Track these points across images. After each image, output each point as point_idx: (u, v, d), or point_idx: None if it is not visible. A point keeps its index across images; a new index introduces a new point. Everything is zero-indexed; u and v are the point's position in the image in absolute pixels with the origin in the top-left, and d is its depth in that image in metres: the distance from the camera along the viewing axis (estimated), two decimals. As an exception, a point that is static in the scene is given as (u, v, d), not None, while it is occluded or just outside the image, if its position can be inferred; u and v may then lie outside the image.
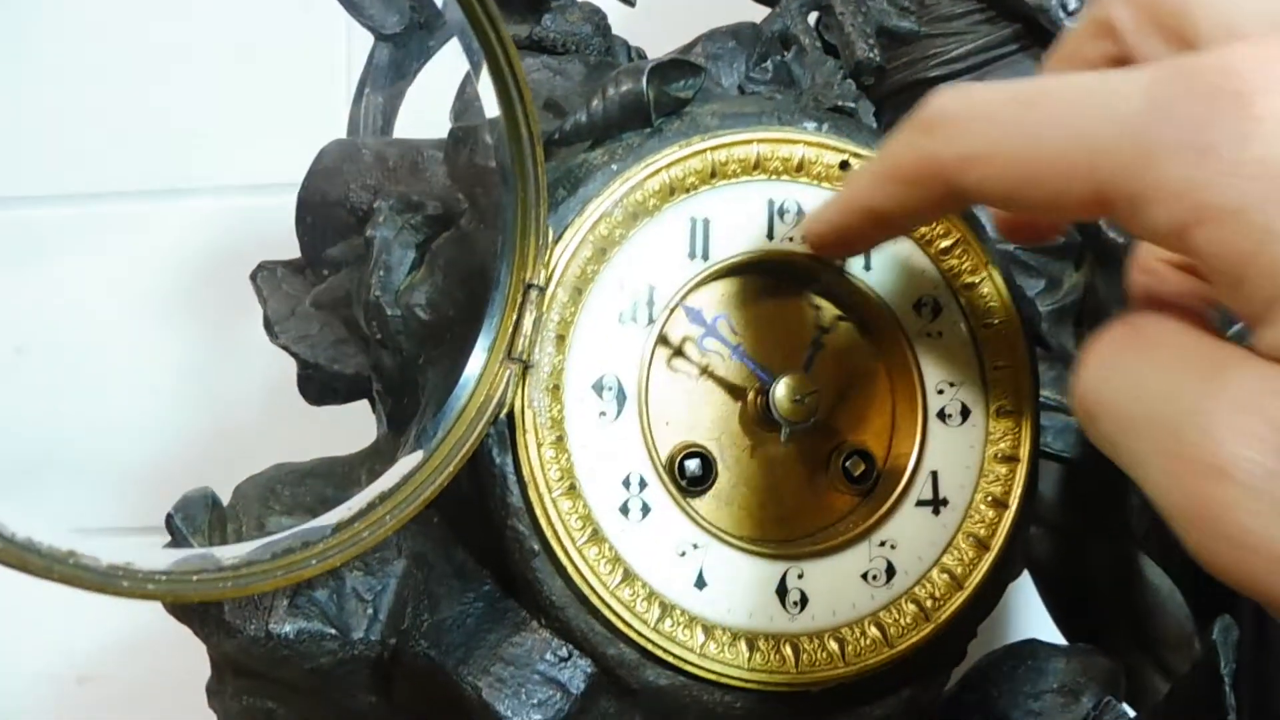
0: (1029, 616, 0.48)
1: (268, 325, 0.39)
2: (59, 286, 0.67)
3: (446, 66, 0.43)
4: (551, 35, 0.37)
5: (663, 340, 0.32)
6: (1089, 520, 0.44)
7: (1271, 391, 0.20)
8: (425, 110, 0.43)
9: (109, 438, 0.66)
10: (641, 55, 0.40)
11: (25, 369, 0.66)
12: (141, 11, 0.65)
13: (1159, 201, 0.21)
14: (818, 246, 0.31)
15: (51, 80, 0.67)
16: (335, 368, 0.38)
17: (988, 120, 0.24)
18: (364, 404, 0.46)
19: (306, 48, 0.65)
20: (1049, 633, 0.46)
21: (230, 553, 0.24)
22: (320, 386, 0.39)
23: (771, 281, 0.33)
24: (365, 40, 0.52)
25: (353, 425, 0.42)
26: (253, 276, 0.39)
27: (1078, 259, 0.44)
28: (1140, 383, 0.22)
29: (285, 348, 0.38)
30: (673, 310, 0.31)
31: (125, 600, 0.22)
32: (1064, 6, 0.42)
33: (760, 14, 0.42)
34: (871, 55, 0.40)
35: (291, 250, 0.63)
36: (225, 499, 0.35)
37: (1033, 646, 0.41)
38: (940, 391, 0.33)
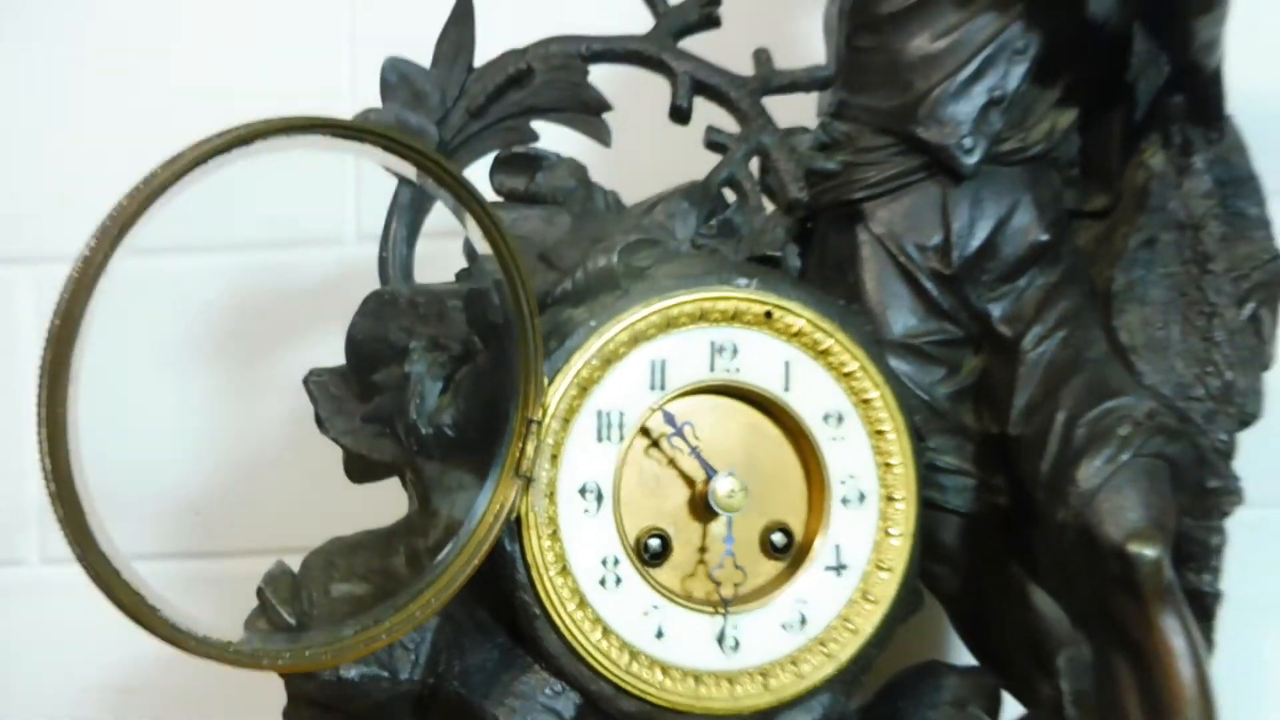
0: (950, 640, 0.57)
1: (319, 421, 0.48)
2: (96, 339, 0.73)
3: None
4: (543, 190, 0.47)
5: (645, 432, 0.41)
6: (984, 562, 0.53)
7: None
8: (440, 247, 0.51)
9: (146, 472, 0.70)
10: (617, 200, 0.49)
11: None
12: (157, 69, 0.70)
13: None
14: None
15: (76, 141, 0.71)
16: (375, 456, 0.47)
17: None
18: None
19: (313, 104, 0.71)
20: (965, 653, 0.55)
21: (323, 637, 0.34)
22: (362, 470, 0.49)
23: (715, 400, 0.43)
24: (370, 101, 0.56)
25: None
26: (305, 381, 0.49)
27: (975, 347, 0.52)
28: None
29: (335, 440, 0.48)
30: (639, 429, 0.41)
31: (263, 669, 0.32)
32: (962, 146, 0.51)
33: (711, 157, 0.51)
34: (800, 195, 0.50)
35: (302, 300, 0.69)
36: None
37: (933, 666, 0.51)
38: (843, 482, 0.43)
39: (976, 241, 0.51)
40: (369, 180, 0.56)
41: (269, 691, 0.45)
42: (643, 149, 0.54)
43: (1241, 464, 0.52)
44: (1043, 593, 0.53)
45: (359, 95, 0.67)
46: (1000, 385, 0.51)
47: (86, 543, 0.28)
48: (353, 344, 0.44)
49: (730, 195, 0.49)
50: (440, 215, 0.48)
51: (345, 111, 0.69)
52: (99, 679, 0.71)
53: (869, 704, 0.50)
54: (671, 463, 0.42)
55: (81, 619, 0.71)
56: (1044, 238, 0.52)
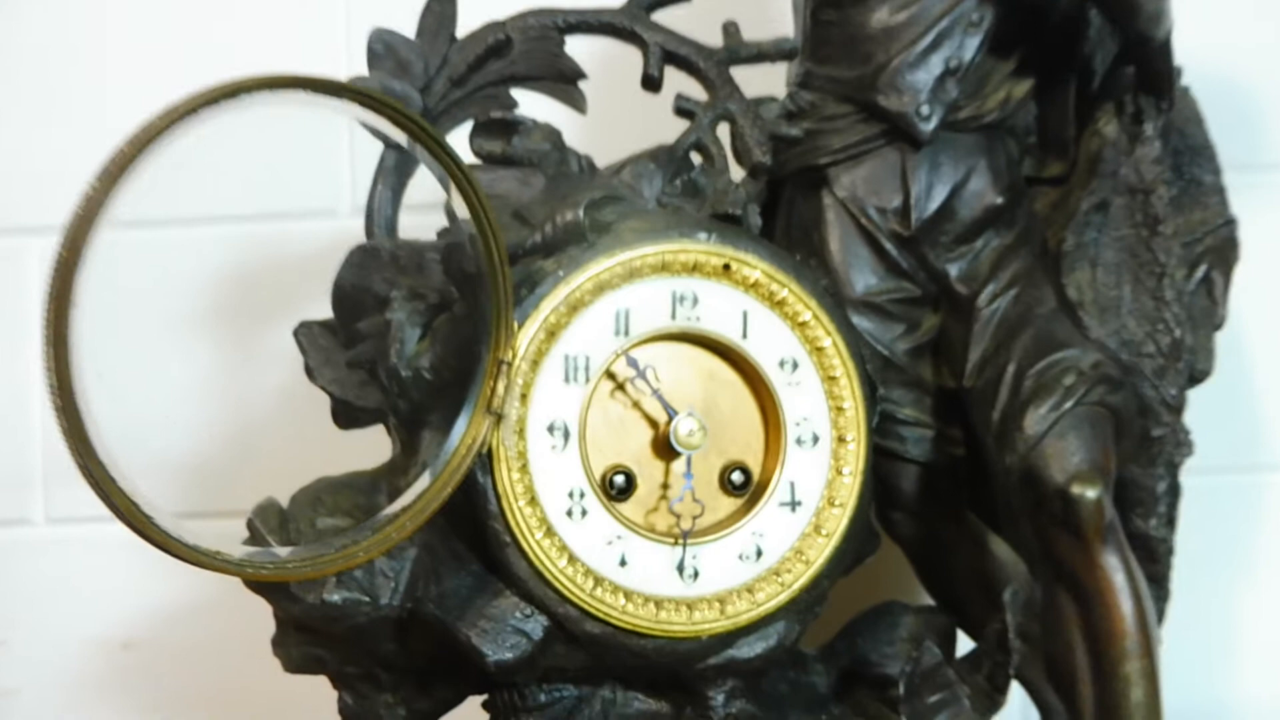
0: (910, 585, 0.60)
1: (309, 371, 0.51)
2: (99, 309, 0.75)
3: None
4: (519, 153, 0.50)
5: (610, 376, 0.44)
6: (942, 509, 0.56)
7: None
8: (425, 202, 0.54)
9: (149, 440, 0.70)
10: (590, 163, 0.52)
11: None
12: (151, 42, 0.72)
13: None
14: None
15: (85, 114, 0.73)
16: (360, 403, 0.50)
17: None
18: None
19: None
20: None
21: (306, 552, 0.37)
22: (348, 416, 0.52)
23: (676, 347, 0.46)
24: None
25: (354, 433, 0.51)
26: (296, 333, 0.52)
27: (934, 305, 0.55)
28: None
29: (323, 388, 0.51)
30: (604, 372, 0.44)
31: (250, 578, 0.35)
32: (920, 113, 0.53)
33: (679, 123, 0.53)
34: (764, 159, 0.53)
35: (299, 269, 0.71)
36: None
37: (891, 606, 0.54)
38: (798, 424, 0.46)
39: (934, 204, 0.54)
40: (364, 153, 0.58)
41: (266, 647, 0.48)
42: (616, 116, 0.57)
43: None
44: (997, 538, 0.56)
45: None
46: (956, 341, 0.54)
47: (87, 452, 0.31)
48: (338, 294, 0.47)
49: (698, 160, 0.52)
50: (424, 189, 0.50)
51: (344, 144, 0.72)
52: (102, 635, 0.73)
53: (830, 643, 0.53)
54: (635, 405, 0.45)
55: (86, 577, 0.74)
56: (999, 201, 0.55)
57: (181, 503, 0.75)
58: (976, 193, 0.55)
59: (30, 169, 0.74)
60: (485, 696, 0.48)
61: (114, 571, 0.72)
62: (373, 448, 0.52)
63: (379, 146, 0.51)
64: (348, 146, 0.73)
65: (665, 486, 0.45)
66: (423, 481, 0.40)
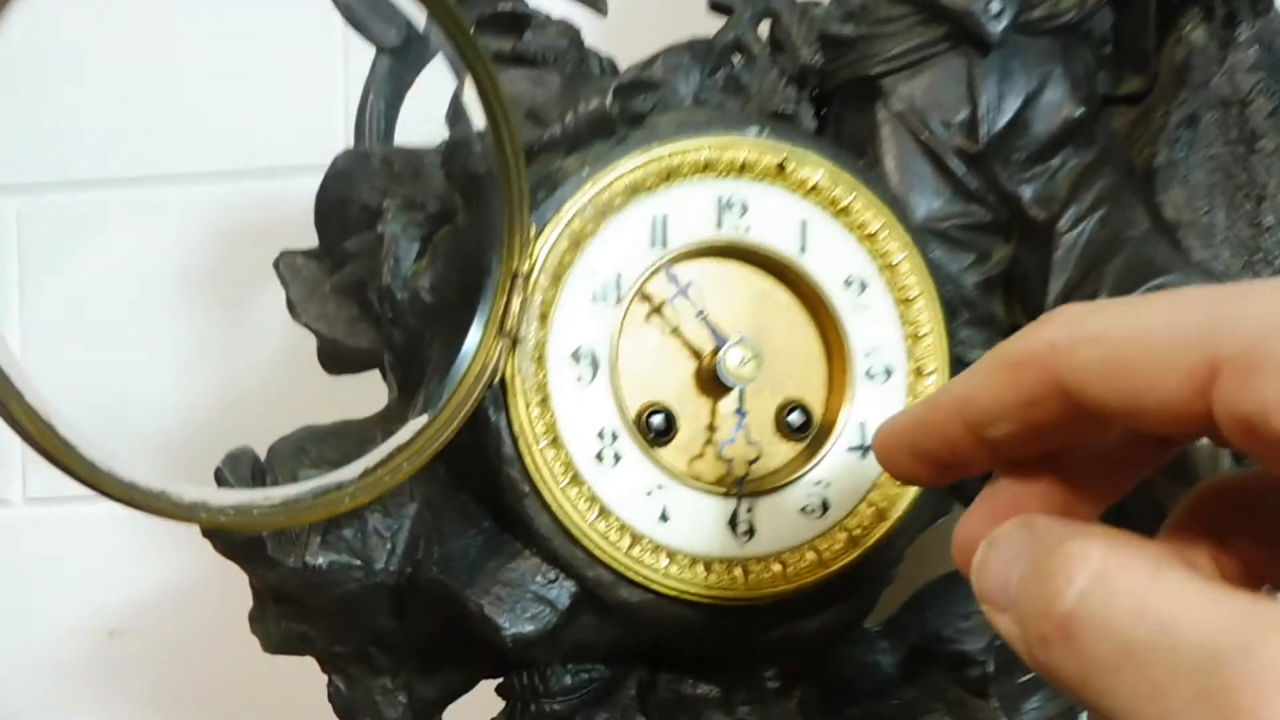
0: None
1: (291, 307, 0.44)
2: (79, 270, 0.71)
3: (442, 73, 0.48)
4: (532, 50, 0.43)
5: (645, 298, 0.37)
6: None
7: None
8: (423, 113, 0.48)
9: (131, 409, 0.69)
10: (613, 65, 0.45)
11: (55, 347, 0.70)
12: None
13: None
14: (888, 457, 0.27)
15: (63, 71, 0.69)
16: (350, 343, 0.43)
17: (1112, 306, 0.23)
18: (366, 379, 0.50)
19: (304, 32, 0.67)
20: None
21: (280, 494, 0.30)
22: (337, 359, 0.45)
23: (722, 264, 0.39)
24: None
25: (354, 398, 0.47)
26: (276, 264, 0.45)
27: (1005, 234, 0.48)
28: (1157, 612, 0.19)
29: (307, 325, 0.44)
30: (638, 291, 0.37)
31: (190, 526, 0.28)
32: (988, 11, 0.47)
33: (716, 23, 0.47)
34: (814, 60, 0.46)
35: (294, 228, 0.67)
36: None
37: (960, 575, 0.47)
38: (867, 355, 0.39)
39: (1005, 117, 0.47)
40: (357, 103, 0.53)
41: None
42: (640, 19, 0.50)
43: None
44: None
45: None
46: (1032, 272, 0.47)
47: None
48: (322, 209, 0.40)
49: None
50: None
51: (339, 77, 0.68)
52: (87, 622, 0.69)
53: (894, 616, 0.46)
54: (675, 331, 0.38)
55: (68, 561, 0.70)
56: (1078, 112, 0.48)
57: (164, 481, 0.70)
58: (1053, 104, 0.48)
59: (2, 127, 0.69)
60: (500, 680, 0.41)
61: (99, 555, 0.69)
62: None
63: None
64: (342, 97, 0.68)
65: (712, 429, 0.38)
66: (422, 419, 0.33)
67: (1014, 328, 0.47)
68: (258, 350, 0.70)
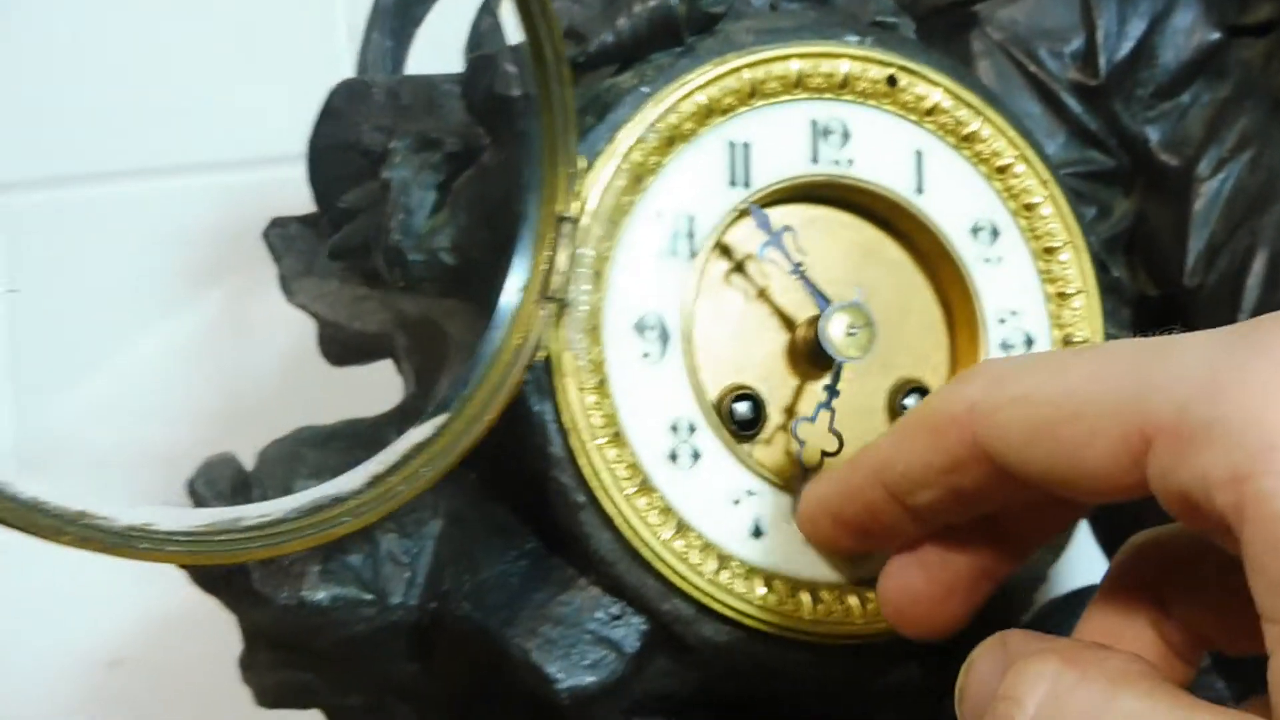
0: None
1: (284, 284, 0.37)
2: (63, 269, 0.66)
3: (458, 8, 0.41)
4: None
5: (724, 250, 0.29)
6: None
7: None
8: (436, 54, 0.41)
9: (119, 416, 0.65)
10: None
11: (36, 352, 0.65)
12: None
13: (1222, 435, 0.18)
14: (806, 521, 0.27)
15: (51, 61, 0.66)
16: (356, 325, 0.36)
17: (1035, 362, 0.22)
18: (382, 376, 0.44)
19: (303, 12, 0.63)
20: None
21: (257, 511, 0.22)
22: (341, 346, 0.37)
23: (817, 210, 0.31)
24: (361, 3, 0.50)
25: (369, 397, 0.41)
26: (265, 234, 0.38)
27: (1127, 186, 0.41)
28: None
29: (303, 306, 0.37)
30: (716, 241, 0.29)
31: (142, 563, 0.20)
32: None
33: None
34: (905, -29, 0.38)
35: None
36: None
37: (1084, 595, 0.39)
38: (1002, 321, 0.31)
39: (1128, 44, 0.40)
40: None
41: None
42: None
43: None
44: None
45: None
46: (1164, 230, 0.41)
47: None
48: (315, 157, 0.32)
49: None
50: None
51: (346, 62, 0.64)
52: (85, 652, 0.63)
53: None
54: (762, 293, 0.30)
55: (66, 586, 0.65)
56: (1213, 37, 0.41)
57: (161, 497, 0.66)
58: (1183, 28, 0.41)
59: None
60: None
61: (99, 579, 0.62)
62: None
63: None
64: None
65: (790, 412, 0.30)
66: (446, 413, 0.25)
67: (1141, 297, 0.41)
68: (261, 348, 0.66)
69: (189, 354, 0.65)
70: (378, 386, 0.42)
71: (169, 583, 0.67)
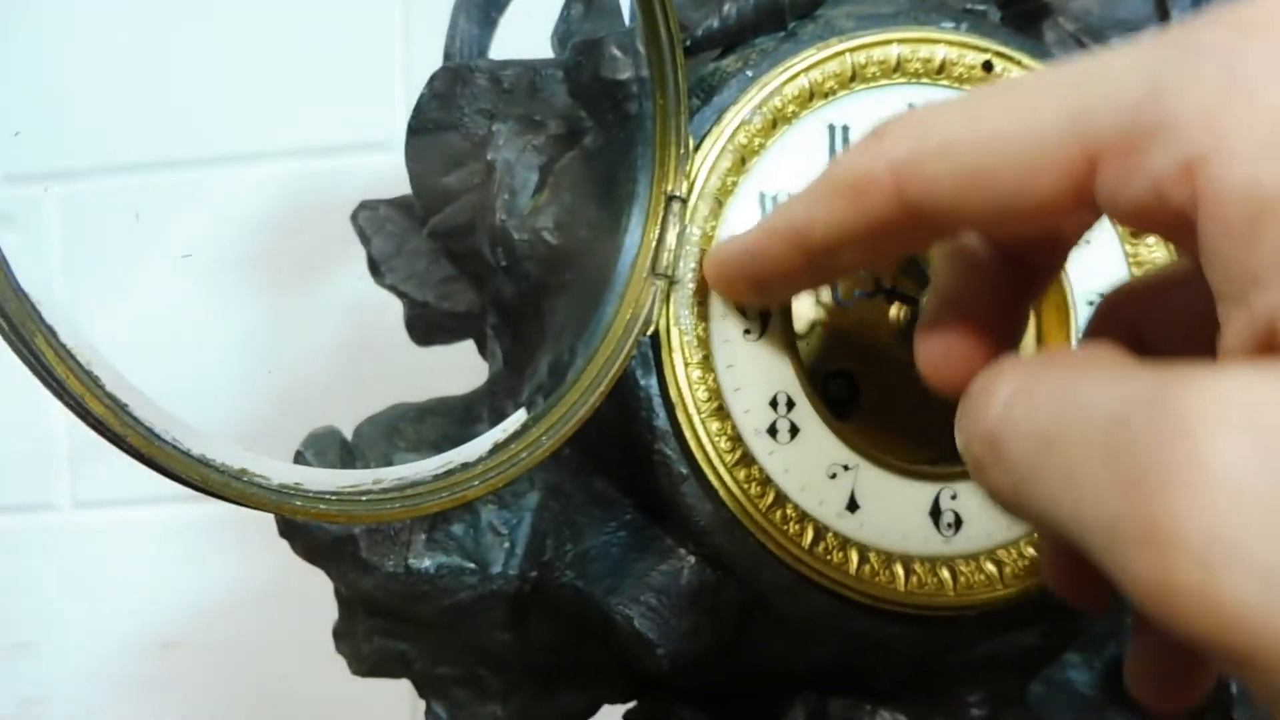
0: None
1: (373, 265, 0.38)
2: (126, 257, 0.67)
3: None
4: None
5: None
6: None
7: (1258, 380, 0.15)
8: (521, 41, 0.42)
9: (180, 401, 0.66)
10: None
11: (107, 338, 0.66)
12: None
13: (1170, 133, 0.17)
14: (718, 281, 0.27)
15: (107, 52, 0.66)
16: (445, 305, 0.37)
17: (952, 108, 0.20)
18: (437, 359, 0.44)
19: (360, 4, 0.64)
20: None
21: (393, 475, 0.23)
22: (428, 325, 0.38)
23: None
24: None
25: (425, 380, 0.42)
26: (354, 216, 0.38)
27: None
28: (1072, 398, 0.17)
29: (393, 287, 0.37)
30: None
31: (298, 518, 0.21)
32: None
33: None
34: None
35: (347, 209, 0.63)
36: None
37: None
38: (1090, 303, 0.31)
39: None
40: (418, 77, 0.48)
41: (326, 646, 0.36)
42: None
43: None
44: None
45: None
46: None
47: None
48: (415, 141, 0.33)
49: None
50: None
51: (398, 55, 0.64)
52: (139, 634, 0.66)
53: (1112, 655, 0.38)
54: (859, 272, 0.30)
55: (119, 569, 0.67)
56: None
57: (253, 459, 0.66)
58: None
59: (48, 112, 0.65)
60: (629, 705, 0.34)
61: (152, 562, 0.66)
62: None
63: (434, 62, 0.40)
64: (401, 70, 0.64)
65: (896, 393, 0.30)
66: (564, 379, 0.26)
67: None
68: (318, 339, 0.66)
69: (247, 339, 0.66)
70: (424, 374, 0.43)
71: (222, 566, 0.68)
